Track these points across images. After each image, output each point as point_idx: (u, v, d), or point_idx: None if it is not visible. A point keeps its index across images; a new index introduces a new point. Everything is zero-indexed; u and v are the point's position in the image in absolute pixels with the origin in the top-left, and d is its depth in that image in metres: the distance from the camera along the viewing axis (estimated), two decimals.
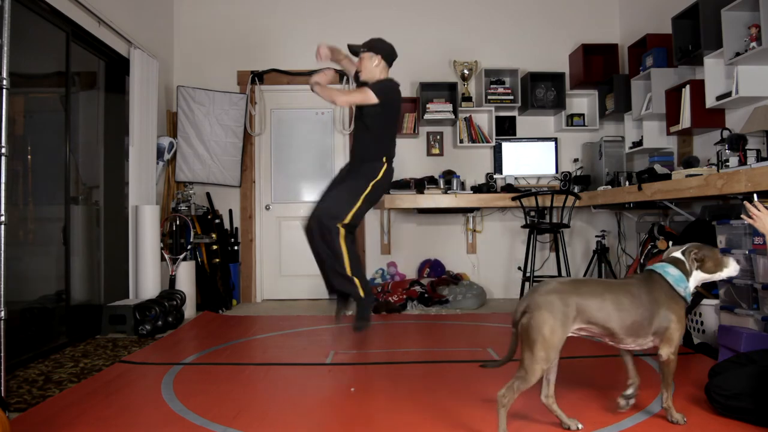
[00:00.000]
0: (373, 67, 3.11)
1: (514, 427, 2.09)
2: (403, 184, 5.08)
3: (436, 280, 5.06)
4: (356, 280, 3.02)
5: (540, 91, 5.35)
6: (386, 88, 3.07)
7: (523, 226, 4.82)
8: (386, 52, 3.15)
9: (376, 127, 3.09)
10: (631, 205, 4.21)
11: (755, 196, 2.77)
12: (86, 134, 4.12)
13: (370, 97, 3.00)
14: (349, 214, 2.99)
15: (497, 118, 5.39)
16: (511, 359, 2.01)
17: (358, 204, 3.01)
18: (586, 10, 5.57)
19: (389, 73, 3.26)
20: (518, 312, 1.93)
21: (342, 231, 2.97)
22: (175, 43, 5.44)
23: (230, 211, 5.32)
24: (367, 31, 5.43)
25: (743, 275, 2.97)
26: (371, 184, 3.06)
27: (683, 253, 2.06)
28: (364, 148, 3.14)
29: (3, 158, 2.20)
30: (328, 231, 2.95)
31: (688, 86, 3.92)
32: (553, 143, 5.37)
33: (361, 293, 3.03)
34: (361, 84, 3.17)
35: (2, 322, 2.17)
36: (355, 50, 3.16)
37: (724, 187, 2.98)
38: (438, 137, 5.49)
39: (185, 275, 4.51)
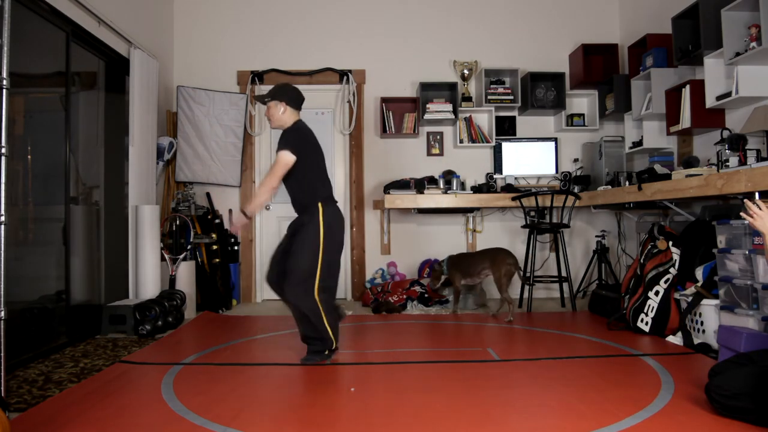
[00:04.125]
0: (280, 114, 3.06)
1: (514, 426, 2.09)
2: (403, 184, 5.08)
3: None
4: (330, 331, 3.00)
5: (540, 91, 5.35)
6: (293, 138, 2.98)
7: (523, 226, 4.82)
8: (290, 97, 3.07)
9: (298, 172, 3.00)
10: (631, 205, 4.22)
11: (757, 195, 2.77)
12: (86, 134, 4.12)
13: (286, 160, 2.92)
14: (316, 281, 2.93)
15: (497, 118, 5.39)
16: None
17: (320, 262, 2.93)
18: (586, 10, 5.57)
19: (299, 115, 3.16)
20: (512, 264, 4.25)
21: (317, 297, 2.94)
22: (175, 43, 5.44)
23: (230, 211, 5.32)
24: (367, 31, 5.48)
25: (743, 275, 2.97)
26: (321, 235, 2.95)
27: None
28: (296, 196, 3.07)
29: (3, 158, 2.20)
30: (303, 300, 2.92)
31: (688, 86, 3.92)
32: (553, 143, 5.37)
33: (334, 343, 3.03)
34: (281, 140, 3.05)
35: (2, 322, 2.16)
36: (260, 100, 3.13)
37: (724, 187, 2.98)
38: (438, 137, 5.49)
39: (185, 275, 4.51)
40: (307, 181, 3.01)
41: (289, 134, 3.01)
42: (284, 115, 3.07)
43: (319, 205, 3.00)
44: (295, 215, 3.14)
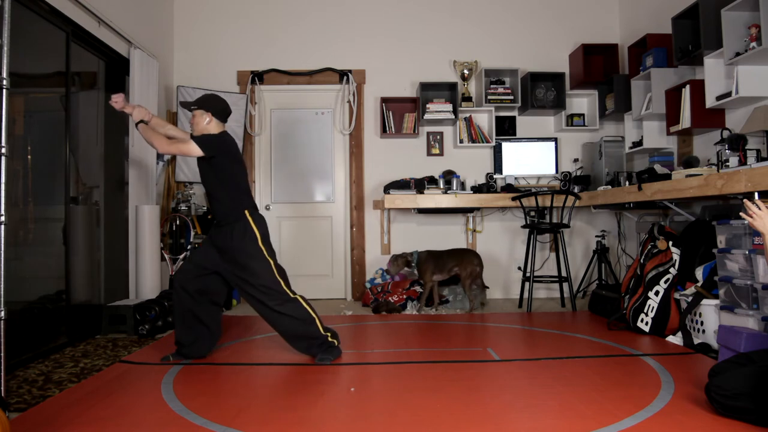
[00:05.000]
0: (204, 124, 3.04)
1: (512, 425, 2.09)
2: (403, 184, 5.08)
3: None
4: (328, 334, 3.08)
5: (540, 91, 5.35)
6: (214, 142, 2.97)
7: (523, 226, 4.82)
8: (217, 109, 3.06)
9: (225, 180, 3.01)
10: (631, 205, 4.22)
11: (756, 195, 2.77)
12: (86, 134, 4.12)
13: (192, 151, 2.91)
14: (281, 281, 3.01)
15: (497, 118, 5.39)
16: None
17: (274, 268, 3.01)
18: (586, 10, 5.57)
19: (224, 128, 3.15)
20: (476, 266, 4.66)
21: (292, 295, 3.03)
22: (175, 43, 5.44)
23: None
24: (367, 31, 5.48)
25: (743, 275, 2.97)
26: (261, 245, 3.01)
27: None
28: (222, 205, 3.05)
29: (3, 158, 2.20)
30: (290, 305, 2.99)
31: (688, 86, 3.93)
32: (553, 143, 5.37)
33: (336, 342, 3.11)
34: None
35: (2, 322, 2.17)
36: (186, 106, 3.12)
37: (724, 187, 2.98)
38: (438, 137, 5.49)
39: None
40: (234, 189, 3.03)
41: (213, 137, 3.00)
42: (209, 125, 3.04)
43: (246, 213, 3.03)
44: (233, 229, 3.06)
